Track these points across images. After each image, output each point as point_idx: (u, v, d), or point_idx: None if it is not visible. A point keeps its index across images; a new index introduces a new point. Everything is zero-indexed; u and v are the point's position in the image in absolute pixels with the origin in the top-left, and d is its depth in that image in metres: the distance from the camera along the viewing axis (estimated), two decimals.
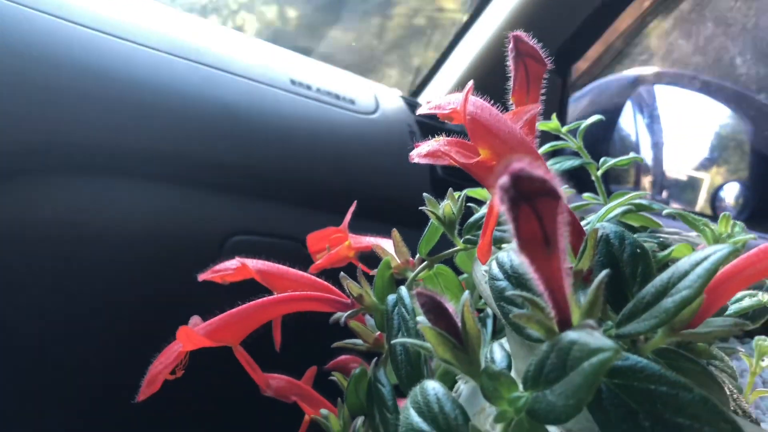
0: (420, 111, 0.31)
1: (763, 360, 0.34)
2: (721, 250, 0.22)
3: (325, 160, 0.70)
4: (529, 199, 0.17)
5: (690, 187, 1.17)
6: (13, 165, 0.49)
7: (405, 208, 0.75)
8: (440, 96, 0.30)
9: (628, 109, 1.05)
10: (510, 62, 0.33)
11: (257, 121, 0.65)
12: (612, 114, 1.02)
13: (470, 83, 0.27)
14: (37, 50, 0.51)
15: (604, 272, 0.20)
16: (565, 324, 0.21)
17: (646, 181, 1.12)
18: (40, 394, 0.53)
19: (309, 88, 0.71)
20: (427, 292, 0.23)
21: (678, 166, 1.15)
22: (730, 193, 1.10)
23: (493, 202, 0.29)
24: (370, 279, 0.39)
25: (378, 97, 0.80)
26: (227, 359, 0.40)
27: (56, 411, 0.55)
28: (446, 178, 0.81)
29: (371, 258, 0.43)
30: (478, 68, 0.95)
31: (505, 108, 0.33)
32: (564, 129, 0.43)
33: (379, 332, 0.36)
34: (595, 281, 0.20)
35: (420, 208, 0.36)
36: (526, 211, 0.17)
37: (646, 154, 1.11)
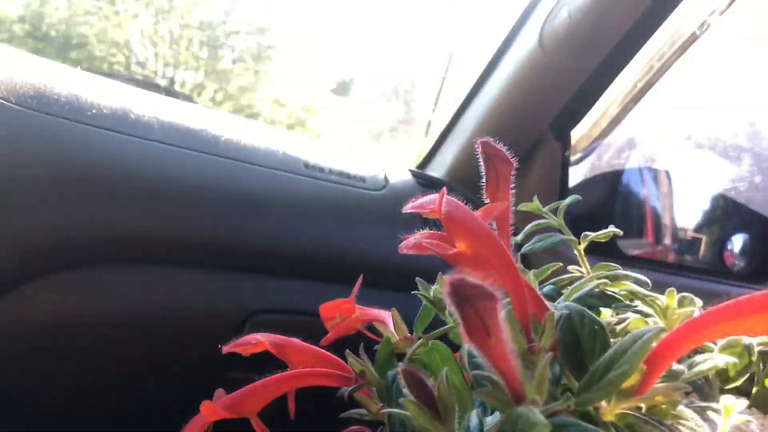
0: (405, 209, 0.36)
1: (730, 418, 0.37)
2: (651, 330, 0.26)
3: (338, 236, 0.75)
4: (469, 301, 0.21)
5: (698, 241, 1.19)
6: (50, 261, 0.55)
7: (417, 275, 0.80)
8: (422, 197, 0.35)
9: (631, 167, 1.09)
10: (481, 163, 0.38)
11: (275, 205, 0.71)
12: (614, 174, 1.06)
13: (444, 189, 0.32)
14: (70, 153, 0.58)
15: (548, 355, 0.25)
16: (519, 398, 0.25)
17: (656, 236, 1.15)
18: None
19: (321, 170, 0.78)
20: (409, 370, 0.27)
21: (684, 220, 1.18)
22: (738, 245, 1.13)
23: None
24: (372, 350, 0.43)
25: (387, 174, 0.86)
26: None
27: None
28: None
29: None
30: (475, 143, 1.00)
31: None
32: (545, 208, 0.47)
33: (381, 404, 0.40)
34: (540, 363, 0.25)
35: (412, 292, 0.41)
36: (468, 311, 0.22)
37: (653, 212, 1.15)
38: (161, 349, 0.63)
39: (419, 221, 0.85)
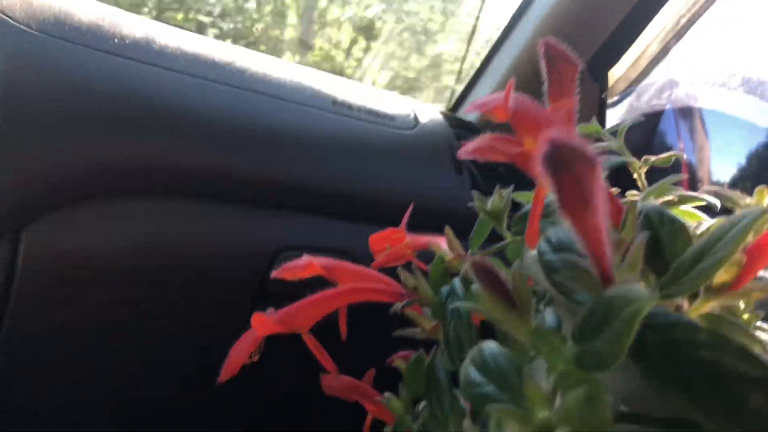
0: (466, 110, 0.34)
1: None
2: (752, 212, 0.24)
3: (368, 176, 0.73)
4: (568, 165, 0.19)
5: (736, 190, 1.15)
6: (76, 191, 0.54)
7: (450, 218, 0.78)
8: (483, 97, 0.33)
9: (669, 112, 1.05)
10: (543, 68, 0.36)
11: (303, 142, 0.69)
12: (652, 118, 1.02)
13: (511, 80, 0.30)
14: (94, 82, 0.56)
15: (642, 233, 0.23)
16: (608, 283, 0.23)
17: (690, 186, 1.12)
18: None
19: (350, 107, 0.75)
20: (480, 261, 0.25)
21: (724, 168, 1.14)
22: None
23: (538, 189, 0.32)
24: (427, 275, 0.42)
25: (417, 114, 0.84)
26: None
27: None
28: (487, 190, 0.84)
29: (430, 257, 0.47)
30: (519, 71, 0.97)
31: None
32: (605, 130, 0.45)
33: (435, 321, 0.38)
34: (635, 242, 0.23)
35: (468, 204, 0.39)
36: (566, 177, 0.19)
37: (691, 157, 1.11)
38: (187, 284, 0.62)
39: (450, 162, 0.83)
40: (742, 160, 1.20)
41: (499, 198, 0.38)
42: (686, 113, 1.09)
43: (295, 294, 0.63)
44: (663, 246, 0.29)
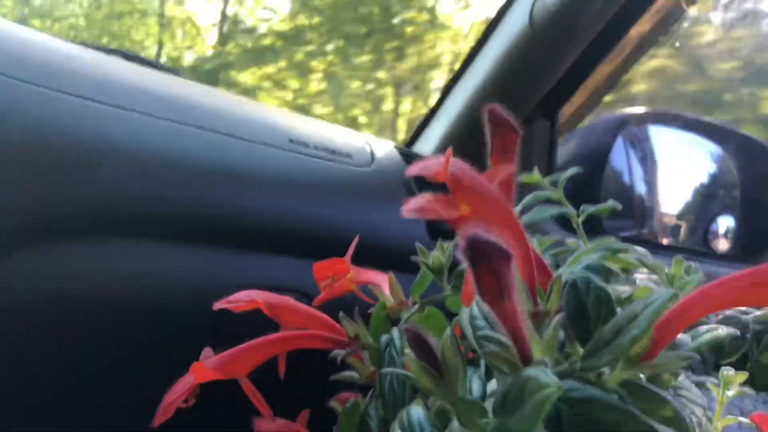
0: (409, 172, 0.35)
1: (729, 390, 0.37)
2: (663, 295, 0.25)
3: (326, 214, 0.74)
4: (485, 257, 0.20)
5: (682, 222, 1.20)
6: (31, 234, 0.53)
7: (403, 254, 0.79)
8: (426, 158, 0.34)
9: (617, 149, 1.09)
10: (487, 130, 0.37)
11: (259, 180, 0.69)
12: (601, 155, 1.06)
13: (449, 149, 0.31)
14: (47, 123, 0.56)
15: (558, 316, 0.24)
16: (527, 360, 0.24)
17: (641, 217, 1.16)
18: None
19: (306, 145, 0.76)
20: (414, 329, 0.26)
21: (670, 202, 1.19)
22: (723, 227, 1.14)
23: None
24: (366, 313, 0.43)
25: (373, 150, 0.85)
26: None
27: None
28: (440, 226, 0.86)
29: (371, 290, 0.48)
30: (466, 117, 1.00)
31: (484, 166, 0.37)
32: (546, 180, 0.47)
33: (373, 368, 0.39)
34: (551, 324, 0.24)
35: (411, 258, 0.40)
36: (483, 268, 0.21)
37: (639, 192, 1.15)
38: (142, 325, 0.62)
39: (406, 197, 0.84)
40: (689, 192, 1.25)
41: (440, 253, 0.39)
42: (636, 144, 1.13)
43: (248, 334, 0.63)
44: (588, 314, 0.30)
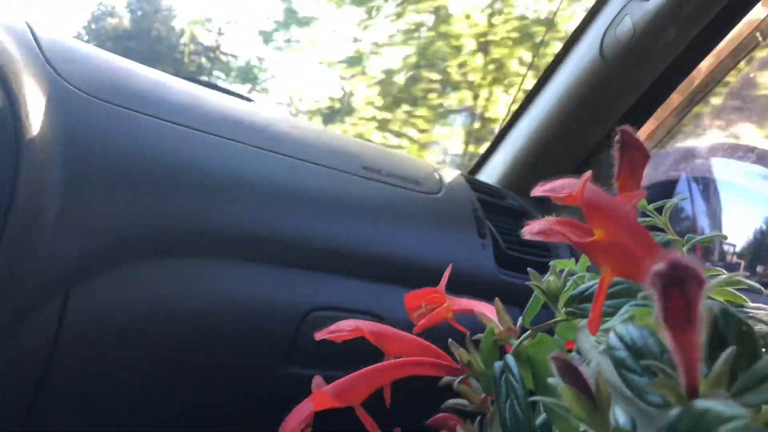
0: (534, 192, 0.34)
1: None
2: None
3: (397, 239, 0.74)
4: (679, 283, 0.20)
5: (751, 256, 1.17)
6: (123, 252, 0.55)
7: (472, 281, 0.79)
8: (554, 181, 0.34)
9: (683, 181, 1.07)
10: (615, 152, 0.37)
11: (335, 204, 0.70)
12: (667, 187, 1.04)
13: (589, 172, 0.31)
14: (141, 145, 0.58)
15: (731, 348, 0.23)
16: (693, 393, 0.23)
17: (707, 251, 1.13)
18: None
19: (379, 172, 0.77)
20: (563, 357, 0.26)
21: (737, 236, 1.16)
22: None
23: (604, 278, 0.32)
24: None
25: (442, 177, 0.85)
26: None
27: None
28: (509, 253, 0.85)
29: (463, 320, 0.47)
30: (531, 148, 1.00)
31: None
32: (651, 206, 0.46)
33: (484, 395, 0.39)
34: (722, 355, 0.23)
35: (526, 283, 0.39)
36: (675, 294, 0.20)
37: (701, 226, 1.13)
38: (219, 345, 0.62)
39: (476, 225, 0.84)
40: (752, 231, 1.22)
41: (555, 277, 0.38)
42: (700, 182, 1.11)
43: (323, 358, 0.63)
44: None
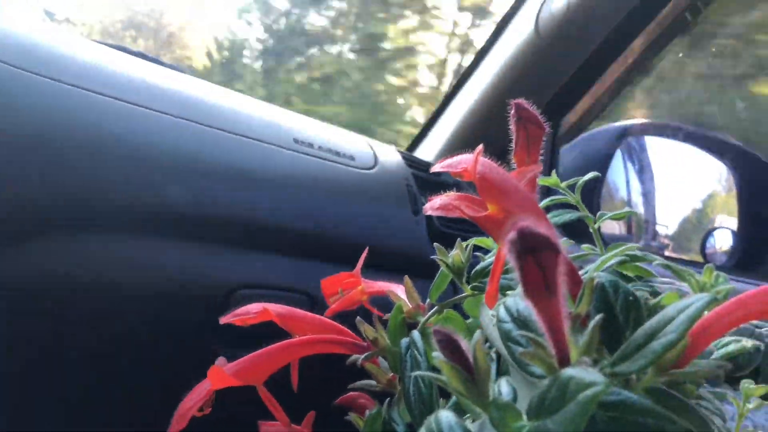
0: (433, 169, 0.34)
1: (749, 403, 0.36)
2: (702, 298, 0.25)
3: (328, 215, 0.73)
4: (533, 252, 0.20)
5: (680, 235, 1.21)
6: (31, 225, 0.53)
7: (405, 258, 0.79)
8: (452, 156, 0.34)
9: (617, 159, 1.09)
10: (512, 126, 0.37)
11: (263, 178, 0.68)
12: (601, 164, 1.06)
13: (480, 146, 0.31)
14: (58, 115, 0.55)
15: (598, 316, 0.23)
16: (564, 362, 0.24)
17: (639, 229, 1.16)
18: None
19: (311, 146, 0.75)
20: (444, 330, 0.26)
21: (668, 214, 1.19)
22: (720, 239, 1.14)
23: (499, 252, 0.33)
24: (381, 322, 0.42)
25: (377, 153, 0.84)
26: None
27: None
28: (443, 230, 0.85)
29: (379, 302, 0.47)
30: (468, 125, 1.00)
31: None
32: (563, 184, 0.46)
33: (392, 373, 0.39)
34: (591, 324, 0.23)
35: (432, 257, 0.39)
36: (530, 262, 0.20)
37: (637, 204, 1.15)
38: (141, 321, 0.61)
39: (410, 201, 0.84)
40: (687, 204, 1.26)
41: (460, 252, 0.38)
42: (635, 155, 1.13)
43: (251, 334, 0.62)
44: (616, 318, 0.30)
